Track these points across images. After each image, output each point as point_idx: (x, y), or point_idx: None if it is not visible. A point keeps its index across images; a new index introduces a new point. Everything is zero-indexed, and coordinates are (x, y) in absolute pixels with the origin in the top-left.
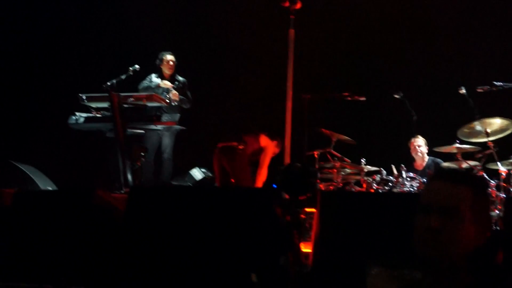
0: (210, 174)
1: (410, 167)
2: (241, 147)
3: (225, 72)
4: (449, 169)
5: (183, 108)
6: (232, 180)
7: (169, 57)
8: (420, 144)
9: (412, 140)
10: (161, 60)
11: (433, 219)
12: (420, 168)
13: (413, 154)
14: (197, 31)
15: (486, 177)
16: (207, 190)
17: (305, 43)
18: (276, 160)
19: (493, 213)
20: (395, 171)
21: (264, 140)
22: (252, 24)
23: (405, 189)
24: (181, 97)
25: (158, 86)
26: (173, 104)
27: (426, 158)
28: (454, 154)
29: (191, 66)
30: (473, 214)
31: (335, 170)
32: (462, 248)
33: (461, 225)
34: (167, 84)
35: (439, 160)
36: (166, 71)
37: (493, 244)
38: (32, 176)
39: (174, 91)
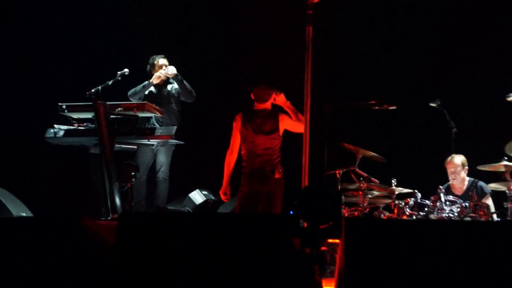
0: (213, 197)
1: (448, 190)
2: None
3: (231, 78)
4: None
5: (181, 120)
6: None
7: (162, 61)
8: (456, 166)
9: (448, 160)
10: (153, 65)
11: None
12: (460, 192)
13: (450, 177)
14: (198, 31)
15: None
16: (209, 217)
17: (326, 43)
18: (292, 181)
19: None
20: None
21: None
22: (263, 22)
23: (444, 215)
24: (185, 82)
25: (150, 84)
26: (170, 76)
27: (466, 180)
28: (502, 173)
29: (191, 71)
30: None
31: (360, 193)
32: None
33: None
34: (159, 76)
35: (481, 182)
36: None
37: None
38: (2, 200)
39: (170, 67)
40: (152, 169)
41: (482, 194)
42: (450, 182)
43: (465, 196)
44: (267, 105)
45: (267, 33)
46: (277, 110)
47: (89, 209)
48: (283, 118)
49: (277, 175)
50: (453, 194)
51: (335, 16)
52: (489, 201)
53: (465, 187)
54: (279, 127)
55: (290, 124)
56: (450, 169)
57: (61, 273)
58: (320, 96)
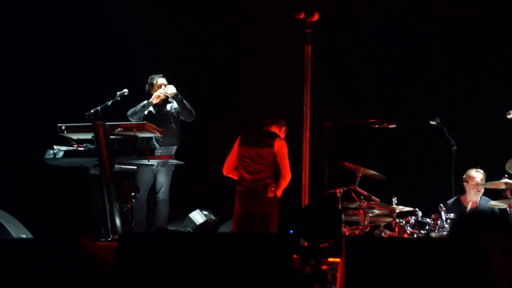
0: (213, 217)
1: (457, 201)
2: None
3: (231, 97)
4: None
5: (181, 140)
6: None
7: (161, 80)
8: (483, 180)
9: (473, 174)
10: (152, 84)
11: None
12: (470, 206)
13: (470, 189)
14: (198, 50)
15: None
16: (209, 237)
17: (325, 61)
18: (293, 200)
19: None
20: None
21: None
22: (263, 41)
23: (445, 233)
24: (185, 101)
25: (149, 103)
26: (170, 96)
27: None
28: (503, 190)
29: (191, 90)
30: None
31: (361, 211)
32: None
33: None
34: (158, 96)
35: (491, 201)
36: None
37: None
38: (2, 222)
39: (170, 86)
40: (152, 190)
41: None
42: (469, 198)
43: None
44: (273, 129)
45: (266, 52)
46: (277, 135)
47: (89, 230)
48: (279, 141)
49: (269, 194)
50: (461, 205)
51: (334, 35)
52: None
53: (478, 203)
54: (274, 145)
55: (282, 153)
56: (480, 183)
57: None
58: (320, 114)
